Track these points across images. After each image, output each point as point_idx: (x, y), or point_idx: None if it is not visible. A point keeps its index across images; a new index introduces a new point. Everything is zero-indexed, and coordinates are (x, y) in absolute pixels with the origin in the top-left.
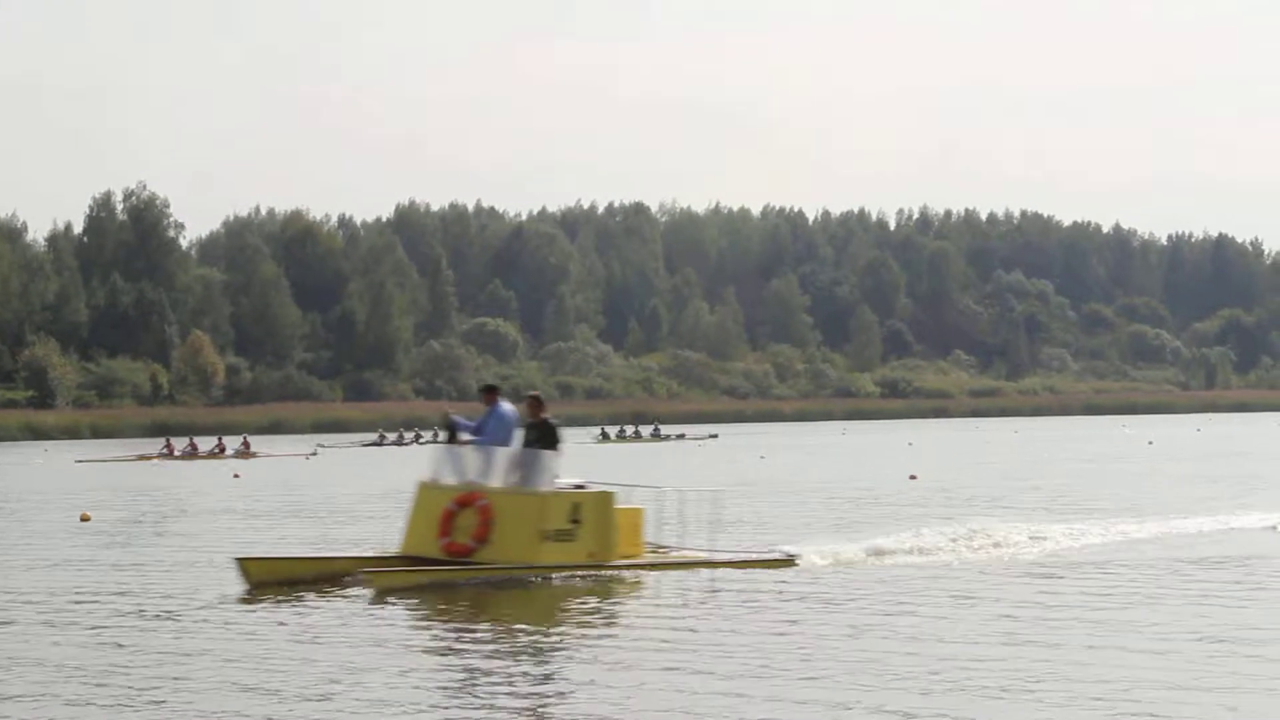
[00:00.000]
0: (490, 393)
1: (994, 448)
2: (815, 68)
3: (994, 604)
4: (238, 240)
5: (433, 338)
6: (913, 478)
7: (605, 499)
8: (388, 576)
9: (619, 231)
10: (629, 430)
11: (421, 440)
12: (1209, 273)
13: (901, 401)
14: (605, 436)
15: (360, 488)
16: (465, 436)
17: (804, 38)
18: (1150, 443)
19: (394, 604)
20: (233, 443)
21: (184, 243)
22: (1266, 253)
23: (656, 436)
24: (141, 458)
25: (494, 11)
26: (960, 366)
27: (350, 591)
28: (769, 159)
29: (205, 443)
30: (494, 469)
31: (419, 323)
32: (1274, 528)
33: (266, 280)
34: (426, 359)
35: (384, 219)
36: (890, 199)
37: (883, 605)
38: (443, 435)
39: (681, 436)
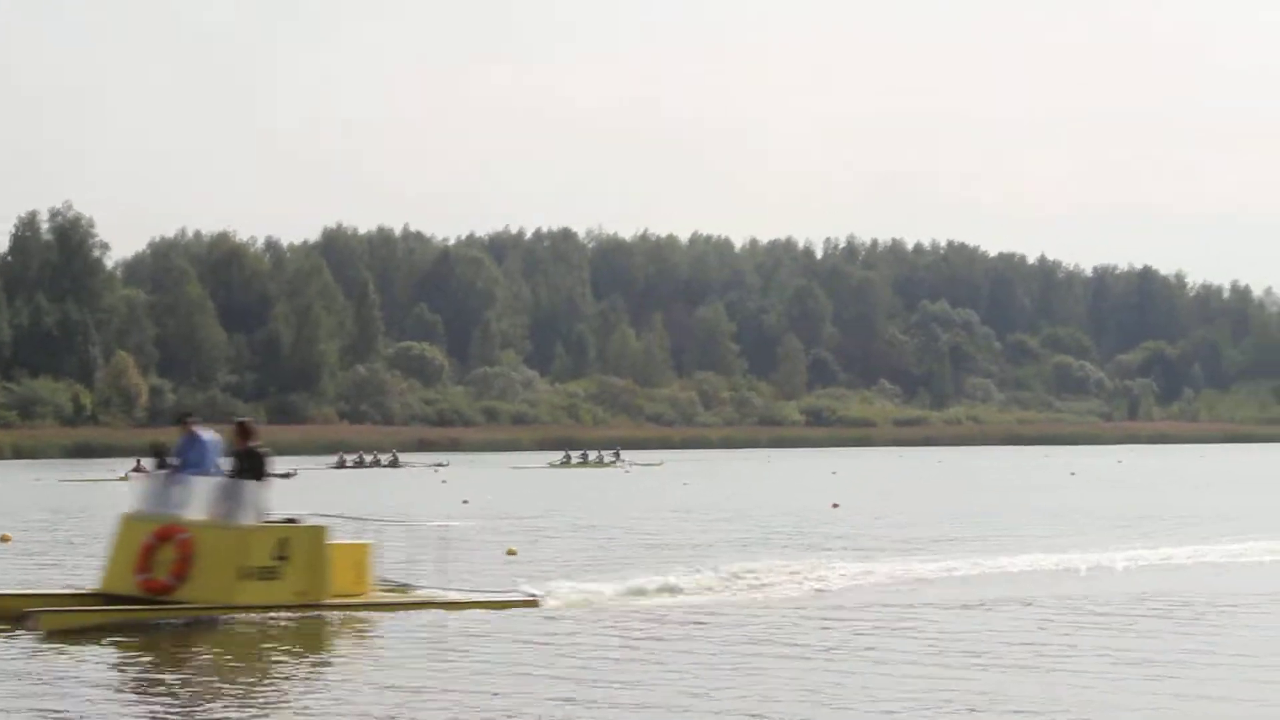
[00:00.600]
0: (185, 421)
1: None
2: (744, 95)
3: (706, 645)
4: (163, 261)
5: (358, 361)
6: (835, 505)
7: (316, 534)
8: (59, 617)
9: (546, 257)
10: (591, 455)
11: (382, 463)
12: (1133, 305)
13: (826, 430)
14: (567, 460)
15: None
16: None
17: (733, 66)
18: (1073, 474)
19: (65, 647)
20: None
21: (109, 263)
22: (1190, 285)
23: (616, 461)
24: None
25: (421, 35)
26: (885, 395)
27: (20, 632)
28: (697, 186)
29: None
30: (198, 500)
31: (345, 346)
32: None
33: (192, 302)
34: (352, 382)
35: (311, 242)
36: (817, 228)
37: (592, 648)
38: (150, 464)
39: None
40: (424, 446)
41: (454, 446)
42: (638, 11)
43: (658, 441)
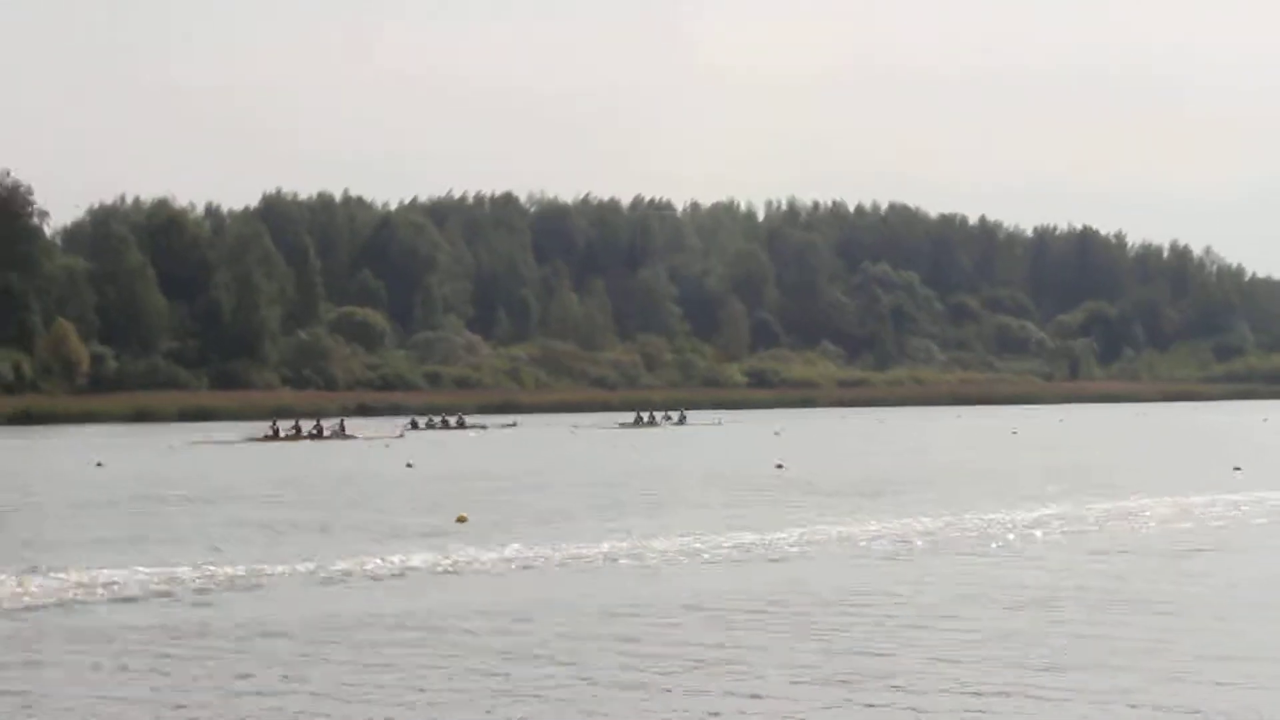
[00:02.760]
0: None
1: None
2: (684, 59)
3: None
4: (103, 229)
5: (300, 327)
6: (779, 466)
7: None
8: None
9: (488, 221)
10: (656, 416)
11: (450, 425)
12: (1073, 265)
13: (769, 391)
14: (639, 421)
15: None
16: None
17: (671, 29)
18: (1014, 433)
19: None
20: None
21: (48, 230)
22: (1130, 246)
23: (682, 422)
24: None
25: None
26: (828, 357)
27: None
28: (638, 150)
29: (308, 423)
30: None
31: (286, 312)
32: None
33: (132, 269)
34: (294, 348)
35: (251, 208)
36: (759, 190)
37: None
38: None
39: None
40: (365, 411)
41: (396, 411)
42: None
43: (600, 404)
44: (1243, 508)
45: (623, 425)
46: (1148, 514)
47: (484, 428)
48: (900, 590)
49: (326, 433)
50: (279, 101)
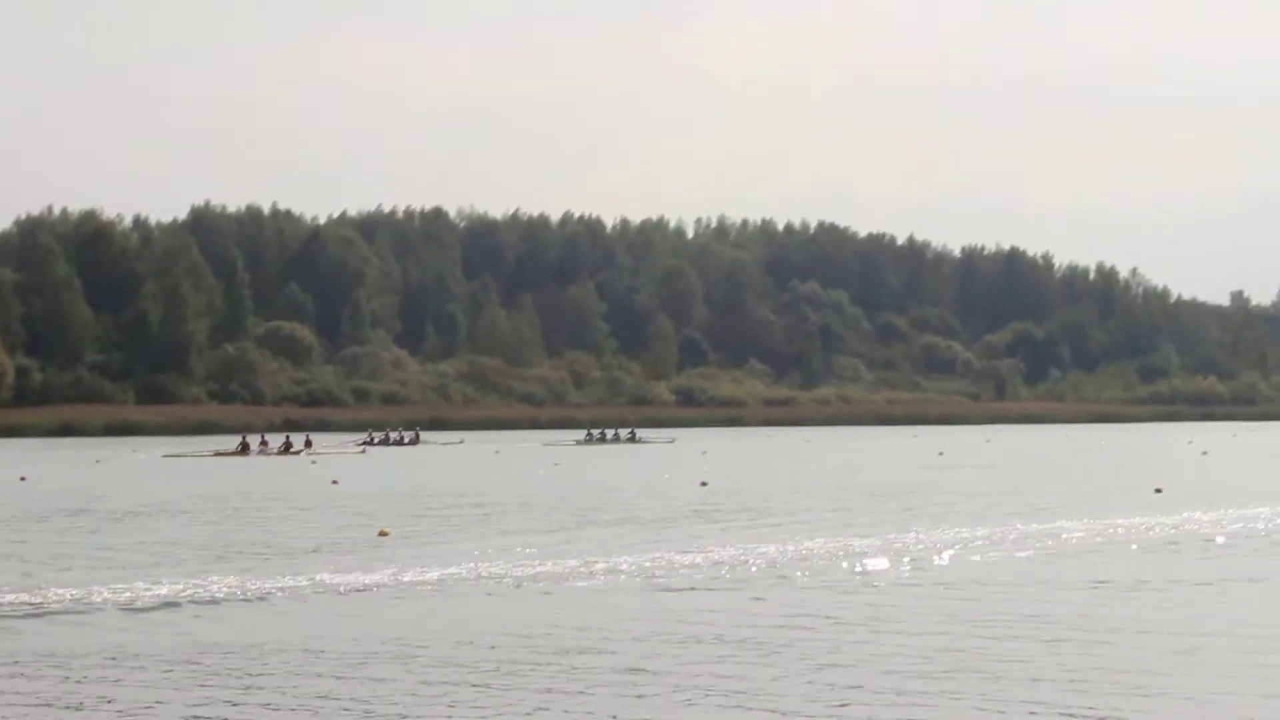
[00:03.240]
0: None
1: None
2: (615, 76)
3: None
4: (30, 239)
5: (227, 341)
6: (704, 484)
7: None
8: None
9: (417, 236)
10: (609, 433)
11: (404, 441)
12: (1001, 286)
13: (697, 410)
14: (589, 438)
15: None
16: None
17: (603, 46)
18: (940, 453)
19: None
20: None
21: None
22: (1057, 267)
23: (632, 439)
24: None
25: (294, 11)
26: (755, 375)
27: None
28: (568, 166)
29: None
30: None
31: (214, 325)
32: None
33: (59, 280)
34: (221, 362)
35: (179, 220)
36: (689, 208)
37: None
38: None
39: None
40: (291, 427)
41: (323, 426)
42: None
43: (527, 421)
44: (1161, 529)
45: (577, 442)
46: (1065, 535)
47: (431, 444)
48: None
49: (295, 448)
50: (213, 114)
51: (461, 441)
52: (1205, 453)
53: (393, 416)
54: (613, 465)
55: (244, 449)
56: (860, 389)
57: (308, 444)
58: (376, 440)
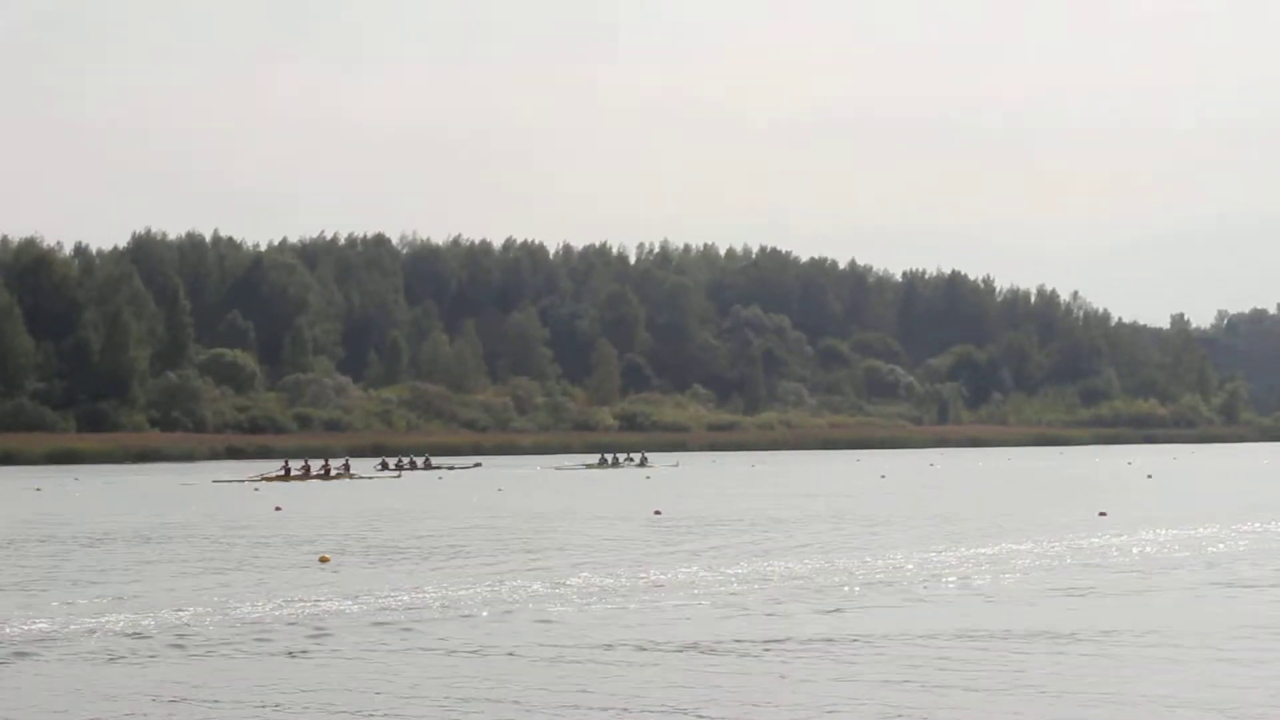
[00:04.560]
0: None
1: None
2: (557, 103)
3: None
4: None
5: (169, 368)
6: (657, 512)
7: None
8: None
9: (359, 263)
10: (620, 457)
11: (418, 466)
12: (942, 309)
13: (640, 435)
14: (602, 463)
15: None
16: None
17: (546, 73)
18: (883, 476)
19: None
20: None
21: None
22: (998, 290)
23: (643, 464)
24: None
25: (236, 41)
26: (698, 400)
27: None
28: (510, 192)
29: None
30: None
31: (155, 353)
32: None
33: None
34: (163, 389)
35: (120, 248)
36: (631, 233)
37: None
38: None
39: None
40: (235, 454)
41: (266, 454)
42: (454, 15)
43: (470, 448)
44: (1105, 552)
45: (588, 466)
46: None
47: (451, 468)
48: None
49: (333, 473)
50: (154, 142)
51: (479, 465)
52: (1150, 476)
53: (336, 443)
54: (572, 491)
55: (286, 474)
56: (803, 413)
57: (346, 467)
58: (392, 466)
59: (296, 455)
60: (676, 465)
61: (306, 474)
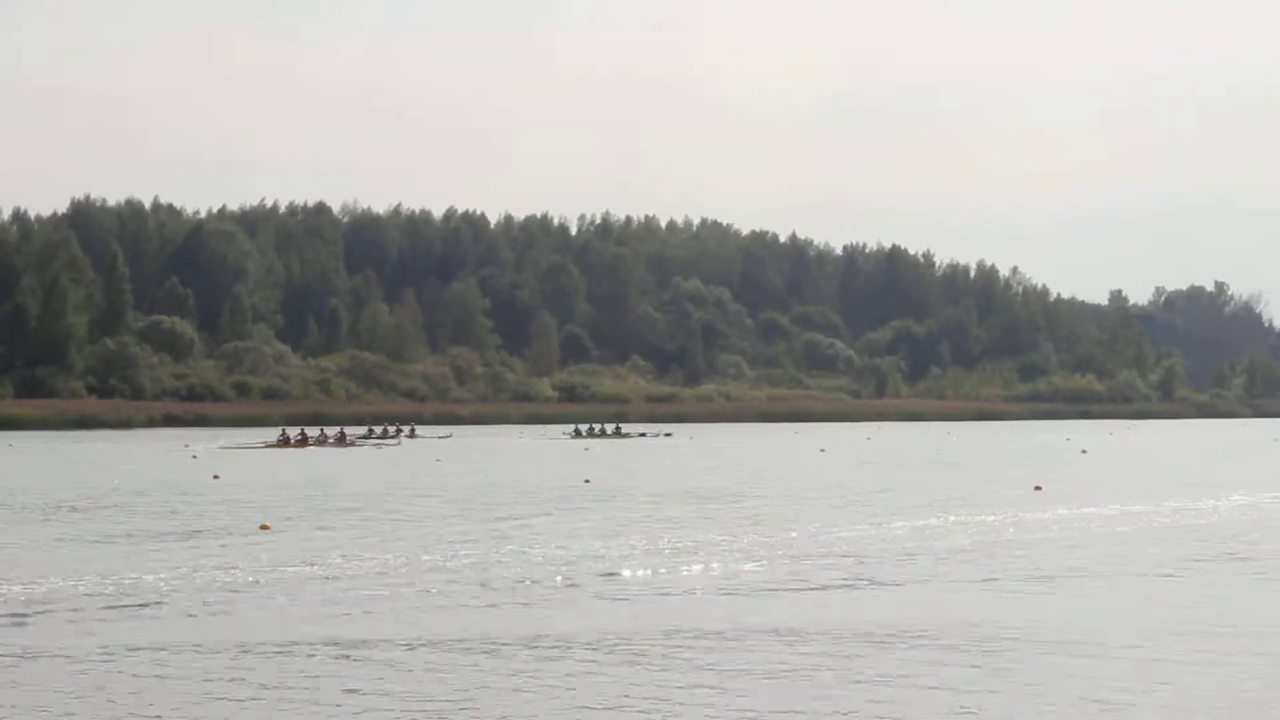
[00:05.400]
0: None
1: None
2: (498, 72)
3: None
4: None
5: (107, 335)
6: (587, 481)
7: None
8: None
9: (300, 231)
10: (598, 428)
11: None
12: (882, 284)
13: (579, 406)
14: (578, 433)
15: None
16: None
17: (484, 43)
18: (822, 450)
19: None
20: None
21: None
22: (938, 265)
23: (618, 434)
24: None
25: (176, 6)
26: (638, 372)
27: None
28: (452, 162)
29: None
30: None
31: (93, 319)
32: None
33: None
34: (100, 356)
35: (59, 213)
36: (572, 205)
37: None
38: None
39: (643, 434)
40: (172, 422)
41: (203, 422)
42: None
43: (411, 416)
44: (1041, 525)
45: (566, 435)
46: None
47: (423, 437)
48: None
49: (330, 441)
50: (93, 107)
51: (450, 435)
52: (1084, 451)
53: (274, 412)
54: (500, 462)
55: (303, 440)
56: (742, 386)
57: (342, 436)
58: (378, 433)
59: (234, 424)
60: (669, 435)
61: (305, 442)
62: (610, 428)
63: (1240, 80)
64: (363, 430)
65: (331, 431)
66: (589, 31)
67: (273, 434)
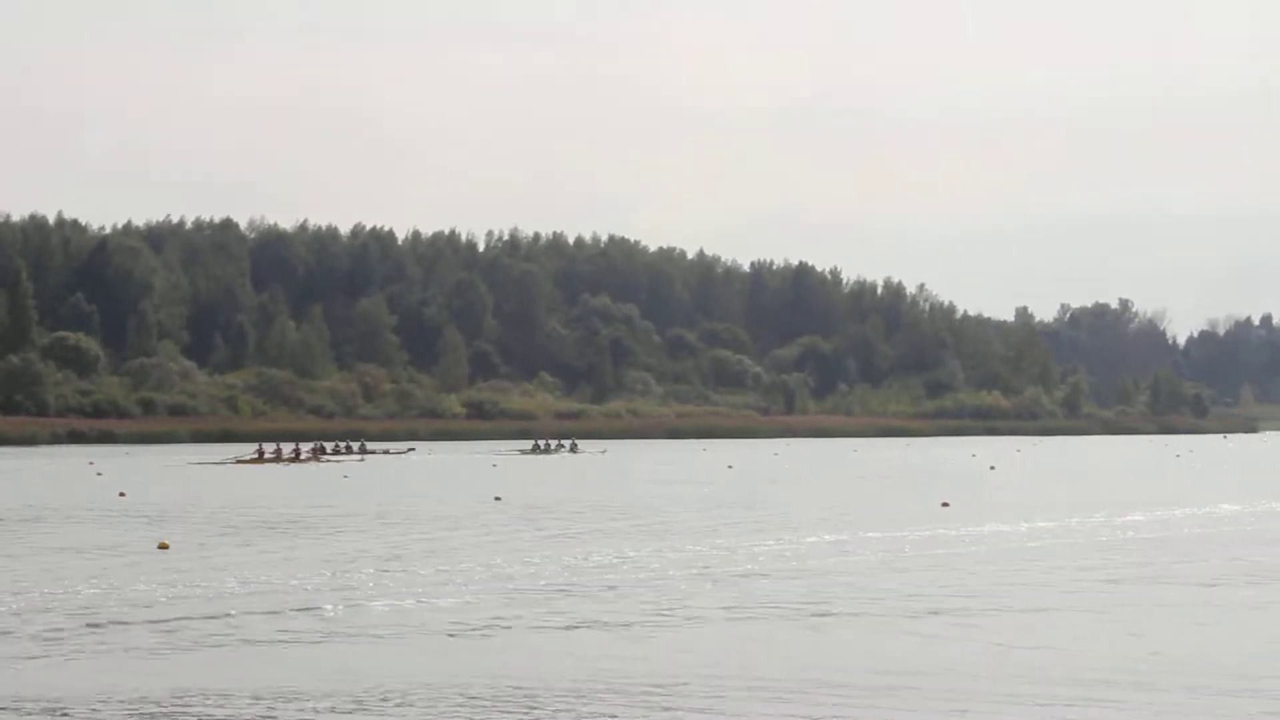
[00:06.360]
0: None
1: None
2: (409, 87)
3: None
4: None
5: (10, 351)
6: (497, 499)
7: None
8: None
9: (206, 246)
10: (553, 444)
11: (354, 451)
12: (789, 300)
13: (488, 423)
14: (537, 449)
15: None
16: None
17: (396, 57)
18: (730, 466)
19: None
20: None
21: None
22: (845, 282)
23: (573, 450)
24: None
25: (79, 17)
26: (546, 388)
27: None
28: (360, 177)
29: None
30: None
31: None
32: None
33: None
34: (4, 373)
35: None
36: (480, 221)
37: None
38: None
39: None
40: (76, 438)
41: (108, 438)
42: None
43: (317, 433)
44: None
45: (521, 452)
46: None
47: (386, 452)
48: None
49: (303, 456)
50: (2, 119)
51: (412, 450)
52: (993, 467)
53: (180, 428)
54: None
55: (277, 455)
56: (650, 402)
57: (317, 451)
58: (330, 450)
59: (139, 441)
60: (604, 452)
61: (279, 457)
62: (568, 443)
63: (1148, 92)
64: (331, 446)
65: (306, 447)
66: (487, 44)
67: (246, 450)
